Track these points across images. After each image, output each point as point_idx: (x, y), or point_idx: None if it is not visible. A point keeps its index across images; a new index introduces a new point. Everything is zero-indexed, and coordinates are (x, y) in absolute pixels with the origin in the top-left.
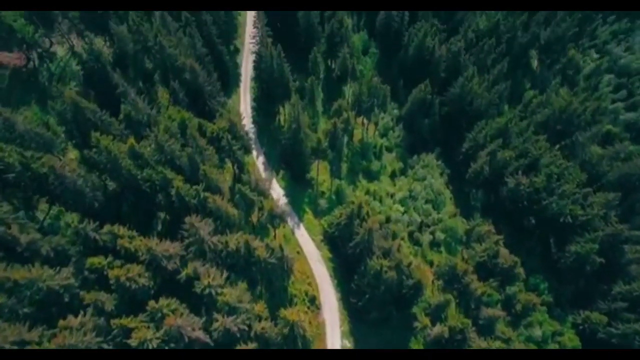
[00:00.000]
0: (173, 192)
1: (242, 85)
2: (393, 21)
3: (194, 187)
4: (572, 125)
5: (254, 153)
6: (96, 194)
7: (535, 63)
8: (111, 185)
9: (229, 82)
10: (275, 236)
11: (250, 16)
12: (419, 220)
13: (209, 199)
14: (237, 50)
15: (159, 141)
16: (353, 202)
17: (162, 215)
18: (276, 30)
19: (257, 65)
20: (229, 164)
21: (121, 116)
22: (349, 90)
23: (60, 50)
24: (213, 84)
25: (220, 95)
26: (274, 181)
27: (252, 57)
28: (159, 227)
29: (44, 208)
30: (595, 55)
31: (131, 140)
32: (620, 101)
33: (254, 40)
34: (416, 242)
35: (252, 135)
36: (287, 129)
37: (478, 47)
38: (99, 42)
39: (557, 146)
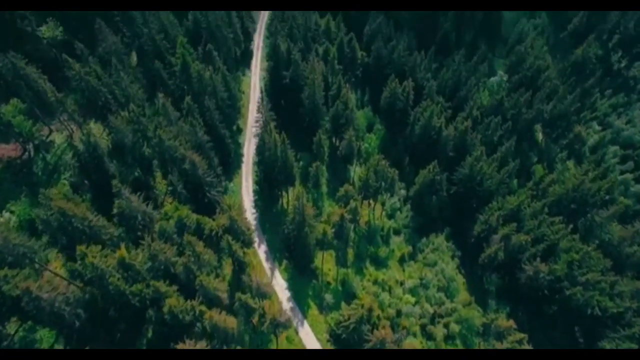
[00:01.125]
0: (166, 309)
1: (244, 167)
2: (398, 100)
3: (189, 302)
4: (587, 204)
5: (256, 241)
6: (78, 312)
7: (540, 136)
8: (96, 297)
9: (231, 163)
10: (277, 344)
11: (253, 96)
12: (431, 311)
13: (205, 314)
14: (239, 130)
15: (153, 251)
16: (362, 305)
17: (150, 331)
18: (279, 108)
19: (260, 151)
20: (228, 261)
21: (115, 210)
22: (354, 171)
23: (58, 138)
24: (214, 173)
25: (220, 185)
26: (277, 272)
27: (255, 139)
28: (146, 344)
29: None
30: (598, 127)
31: (121, 251)
32: (629, 172)
33: (257, 124)
34: (429, 337)
35: (253, 221)
36: (290, 220)
37: (484, 124)
38: (98, 129)
39: (572, 225)
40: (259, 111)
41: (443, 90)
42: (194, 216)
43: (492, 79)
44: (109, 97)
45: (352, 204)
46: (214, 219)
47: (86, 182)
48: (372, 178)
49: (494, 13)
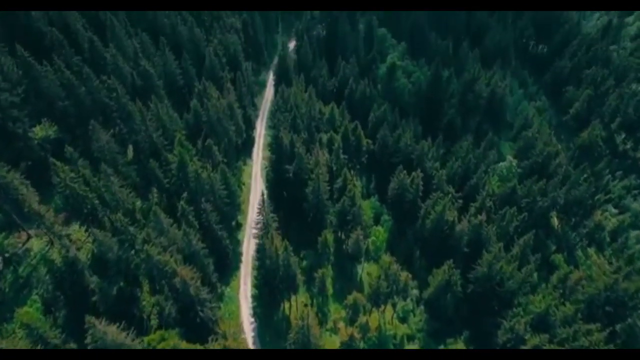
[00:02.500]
0: None
1: (242, 268)
2: (407, 192)
3: None
4: (625, 307)
5: None
6: None
7: (555, 222)
8: None
9: (229, 265)
10: None
11: (254, 187)
12: None
13: None
14: (239, 226)
15: None
16: None
17: None
18: (281, 201)
19: (261, 256)
20: None
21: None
22: (362, 268)
23: (36, 245)
24: (209, 285)
25: (216, 299)
26: None
27: (255, 239)
28: None
29: None
30: (615, 211)
31: None
32: None
33: (257, 227)
34: None
35: (251, 333)
36: (293, 334)
37: (499, 215)
38: (80, 235)
39: (610, 328)
40: (260, 213)
41: (452, 179)
42: (183, 344)
43: (502, 164)
44: (96, 203)
45: (362, 318)
46: (205, 347)
47: (61, 297)
48: (382, 285)
49: (497, 98)
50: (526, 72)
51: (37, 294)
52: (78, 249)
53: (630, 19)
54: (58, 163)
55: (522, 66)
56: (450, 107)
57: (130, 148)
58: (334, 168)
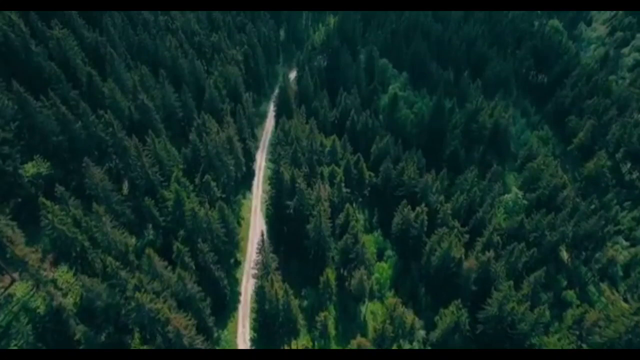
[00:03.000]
0: None
1: (240, 309)
2: (411, 227)
3: None
4: None
5: None
6: None
7: (565, 256)
8: None
9: (226, 306)
10: None
11: (254, 222)
12: None
13: None
14: (237, 263)
15: None
16: None
17: None
18: (282, 236)
19: (260, 299)
20: None
21: None
22: (366, 307)
23: (20, 289)
24: (204, 331)
25: (210, 347)
26: None
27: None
28: None
29: None
30: (625, 243)
31: None
32: None
33: (256, 267)
34: None
35: None
36: None
37: (507, 251)
38: (68, 278)
39: None
40: (259, 252)
41: (458, 213)
42: None
43: (507, 196)
44: (87, 245)
45: None
46: None
47: (42, 347)
48: (387, 330)
49: (500, 129)
50: (527, 102)
51: (15, 345)
52: (64, 295)
53: (625, 50)
54: (48, 203)
55: (523, 96)
56: (453, 138)
57: (126, 184)
58: (336, 201)
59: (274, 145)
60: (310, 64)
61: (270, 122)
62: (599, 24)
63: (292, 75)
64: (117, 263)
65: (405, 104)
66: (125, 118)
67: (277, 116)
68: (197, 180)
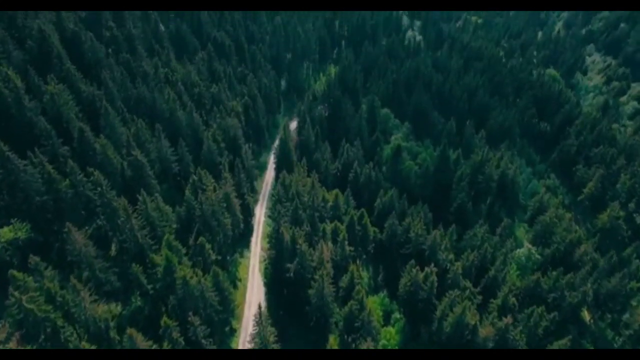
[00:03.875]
0: None
1: None
2: (421, 289)
3: None
4: None
5: None
6: None
7: (587, 317)
8: None
9: None
10: None
11: (252, 283)
12: None
13: None
14: (233, 331)
15: None
16: None
17: None
18: (281, 299)
19: None
20: None
21: None
22: None
23: None
24: None
25: None
26: None
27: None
28: None
29: None
30: None
31: None
32: None
33: (254, 341)
34: None
35: None
36: None
37: (524, 315)
38: None
39: None
40: (256, 324)
41: (469, 272)
42: None
43: (520, 251)
44: (59, 324)
45: None
46: None
47: None
48: None
49: (508, 180)
50: (531, 150)
51: None
52: None
53: (624, 99)
54: (20, 275)
55: (526, 144)
56: (460, 191)
57: (113, 248)
58: (339, 260)
59: (274, 201)
60: (311, 114)
61: (270, 174)
62: (594, 74)
63: (293, 125)
64: (93, 346)
65: (409, 155)
66: (117, 174)
67: (278, 169)
68: (190, 242)
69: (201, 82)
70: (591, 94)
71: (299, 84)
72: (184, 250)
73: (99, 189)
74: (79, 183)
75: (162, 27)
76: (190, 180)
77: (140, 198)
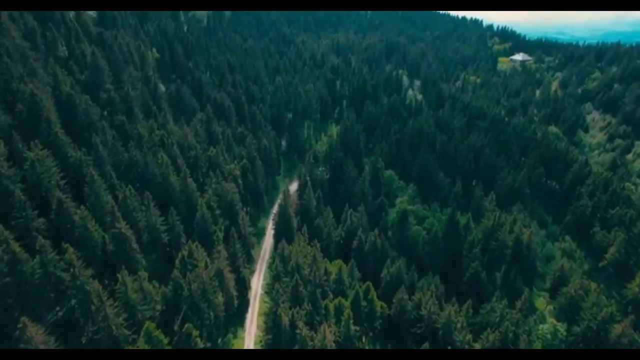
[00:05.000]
0: None
1: None
2: None
3: None
4: None
5: None
6: None
7: None
8: None
9: None
10: None
11: None
12: None
13: None
14: None
15: None
16: None
17: None
18: None
19: None
20: None
21: None
22: None
23: None
24: None
25: None
26: None
27: None
28: None
29: None
30: None
31: None
32: None
33: None
34: None
35: None
36: None
37: None
38: None
39: None
40: None
41: None
42: None
43: (544, 327)
44: None
45: None
46: None
47: None
48: None
49: (523, 246)
50: (543, 211)
51: None
52: None
53: (630, 157)
54: None
55: (537, 205)
56: (472, 259)
57: (84, 339)
58: (343, 342)
59: (273, 277)
60: (312, 176)
61: (269, 240)
62: (596, 131)
63: (294, 187)
64: None
65: (416, 219)
66: (97, 249)
67: (277, 236)
68: (176, 327)
69: (198, 144)
70: (596, 152)
71: (300, 144)
72: (166, 340)
73: (72, 269)
74: (50, 262)
75: (162, 88)
76: (179, 256)
77: (119, 280)
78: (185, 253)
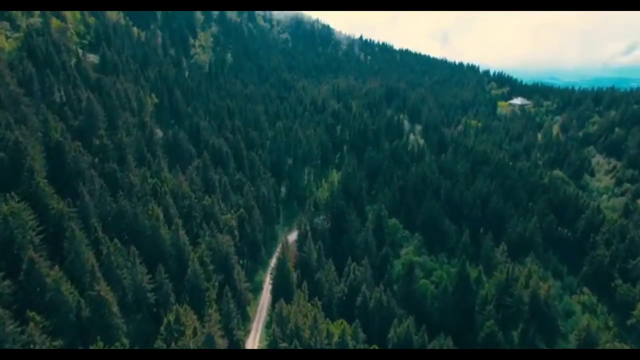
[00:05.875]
0: None
1: None
2: None
3: None
4: None
5: None
6: None
7: None
8: None
9: None
10: None
11: None
12: None
13: None
14: None
15: None
16: None
17: None
18: None
19: None
20: None
21: None
22: None
23: None
24: None
25: None
26: None
27: None
28: None
29: None
30: None
31: None
32: None
33: None
34: None
35: None
36: None
37: None
38: None
39: None
40: None
41: None
42: None
43: None
44: None
45: None
46: None
47: None
48: None
49: (541, 302)
50: (557, 261)
51: None
52: None
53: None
54: None
55: (550, 253)
56: (487, 317)
57: None
58: None
59: (270, 342)
60: (312, 226)
61: (266, 296)
62: (602, 175)
63: (293, 236)
64: None
65: (422, 272)
66: (71, 314)
67: (275, 294)
68: None
69: (193, 193)
70: (604, 196)
71: (300, 190)
72: None
73: (32, 345)
74: (7, 336)
75: (160, 133)
76: (165, 321)
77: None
78: (172, 318)
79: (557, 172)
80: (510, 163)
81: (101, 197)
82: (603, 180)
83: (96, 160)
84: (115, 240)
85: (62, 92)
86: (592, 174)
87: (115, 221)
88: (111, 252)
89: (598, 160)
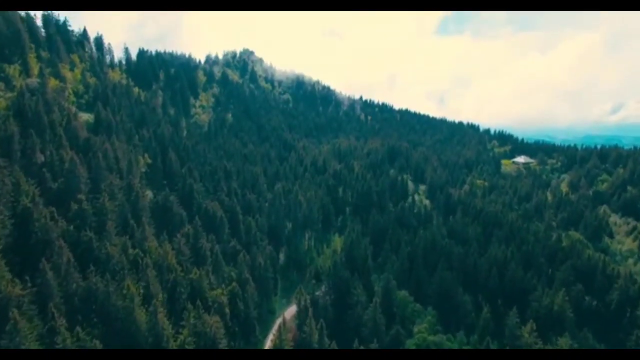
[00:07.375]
0: None
1: None
2: None
3: None
4: None
5: None
6: None
7: None
8: None
9: None
10: None
11: None
12: None
13: None
14: None
15: None
16: None
17: None
18: None
19: None
20: None
21: None
22: None
23: None
24: None
25: None
26: None
27: None
28: None
29: None
30: None
31: None
32: None
33: None
34: None
35: None
36: None
37: None
38: None
39: None
40: None
41: None
42: None
43: None
44: None
45: None
46: None
47: None
48: None
49: None
50: (588, 334)
51: None
52: None
53: None
54: None
55: (579, 327)
56: None
57: None
58: None
59: None
60: (313, 300)
61: None
62: (621, 236)
63: (292, 310)
64: None
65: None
66: None
67: None
68: None
69: (179, 265)
70: (630, 260)
71: (300, 257)
72: None
73: None
74: None
75: (150, 196)
76: None
77: None
78: None
79: (574, 234)
80: (525, 225)
81: (67, 273)
82: (624, 242)
83: (71, 227)
84: (77, 328)
85: (46, 153)
86: (611, 236)
87: (83, 302)
88: (68, 344)
89: (615, 220)
